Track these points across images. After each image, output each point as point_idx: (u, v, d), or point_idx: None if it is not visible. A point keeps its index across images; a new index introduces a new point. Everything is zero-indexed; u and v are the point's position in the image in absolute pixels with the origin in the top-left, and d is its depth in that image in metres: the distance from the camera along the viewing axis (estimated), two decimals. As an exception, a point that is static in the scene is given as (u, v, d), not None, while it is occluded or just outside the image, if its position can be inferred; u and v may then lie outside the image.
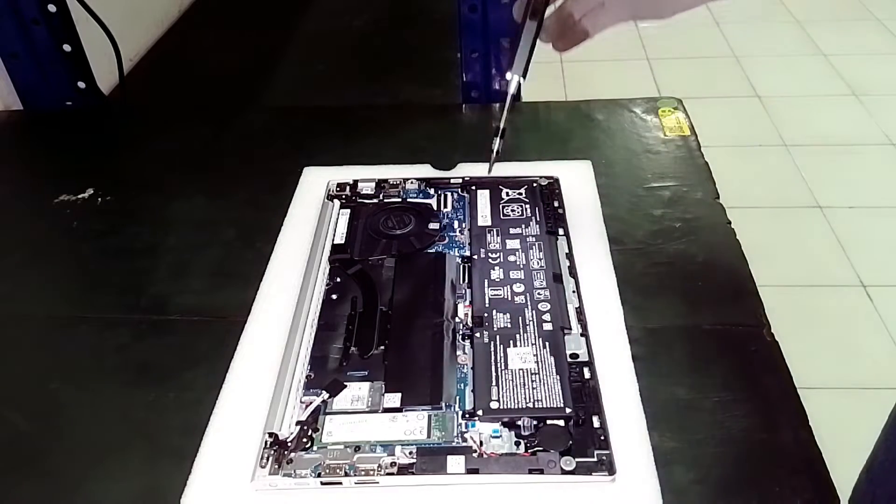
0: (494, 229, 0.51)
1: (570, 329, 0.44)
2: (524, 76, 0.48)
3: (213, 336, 0.47)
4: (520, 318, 0.44)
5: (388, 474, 0.37)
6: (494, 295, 0.46)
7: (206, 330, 0.48)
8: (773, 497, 0.37)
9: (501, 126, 0.51)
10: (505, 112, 0.50)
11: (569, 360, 0.42)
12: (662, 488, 0.36)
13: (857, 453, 0.58)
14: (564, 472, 0.36)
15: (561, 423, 0.38)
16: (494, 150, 0.52)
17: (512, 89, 0.49)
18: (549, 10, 0.48)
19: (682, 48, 2.06)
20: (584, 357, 0.42)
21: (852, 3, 2.27)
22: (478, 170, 0.58)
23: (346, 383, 0.41)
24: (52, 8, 0.68)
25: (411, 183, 0.57)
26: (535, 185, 0.55)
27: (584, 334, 0.43)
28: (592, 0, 0.46)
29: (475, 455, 0.37)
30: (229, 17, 1.03)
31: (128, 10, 0.87)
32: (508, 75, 0.49)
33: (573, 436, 0.38)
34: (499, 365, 0.41)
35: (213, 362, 0.44)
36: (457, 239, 0.51)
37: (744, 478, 0.38)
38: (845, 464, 0.49)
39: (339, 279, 0.49)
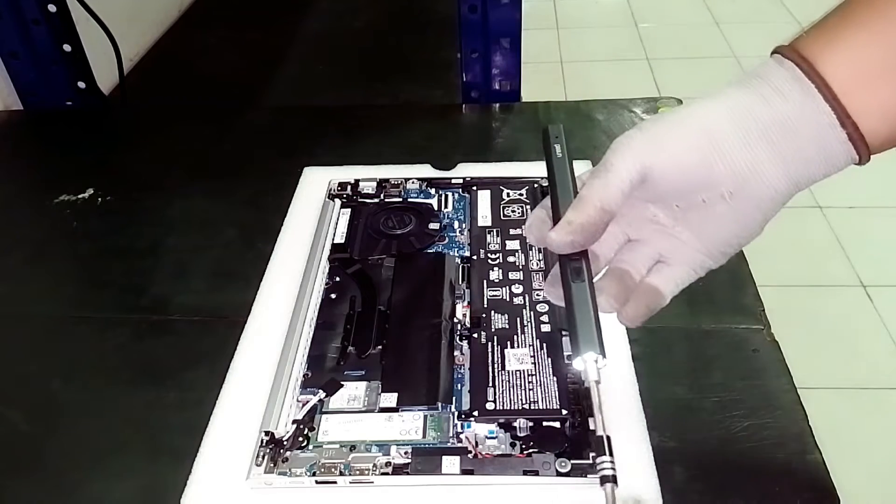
0: (494, 230, 0.51)
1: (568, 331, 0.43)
2: (604, 355, 0.31)
3: (214, 336, 0.47)
4: (518, 319, 0.44)
5: (383, 474, 0.37)
6: (493, 296, 0.46)
7: (206, 330, 0.48)
8: (773, 497, 0.37)
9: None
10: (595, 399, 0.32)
11: (566, 361, 0.41)
12: (662, 488, 0.36)
13: (857, 453, 0.58)
14: (559, 474, 0.36)
15: (557, 424, 0.38)
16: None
17: (593, 377, 0.32)
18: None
19: (682, 48, 2.06)
20: (581, 358, 0.42)
21: (853, 3, 2.27)
22: (478, 170, 0.58)
23: (343, 382, 0.41)
24: (52, 8, 0.69)
25: (412, 183, 0.57)
26: (535, 185, 0.55)
27: (582, 335, 0.43)
28: (645, 254, 0.33)
29: (470, 456, 0.37)
30: (229, 17, 1.03)
31: (128, 10, 0.87)
32: (580, 362, 0.31)
33: (569, 438, 0.38)
34: (496, 366, 0.41)
35: (213, 362, 0.44)
36: (457, 239, 0.51)
37: (744, 478, 0.38)
38: (845, 464, 0.49)
39: (338, 278, 0.49)
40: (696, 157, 0.30)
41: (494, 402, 0.39)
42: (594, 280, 0.32)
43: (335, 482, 0.37)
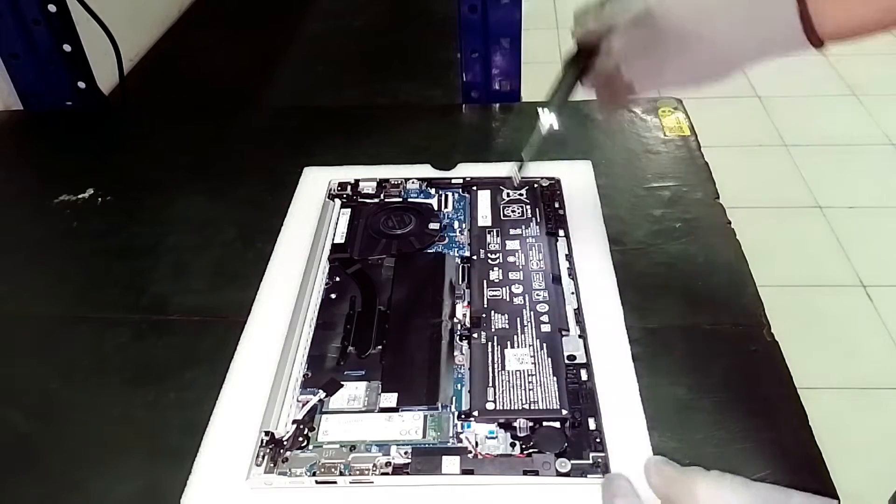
0: (494, 230, 0.51)
1: (568, 331, 0.44)
2: (558, 117, 0.45)
3: (214, 336, 0.47)
4: (518, 319, 0.44)
5: (383, 474, 0.37)
6: (493, 296, 0.46)
7: (206, 330, 0.48)
8: (773, 497, 0.37)
9: (525, 158, 0.50)
10: (530, 147, 0.48)
11: (566, 361, 0.42)
12: (661, 488, 0.36)
13: (856, 453, 0.58)
14: (559, 474, 0.36)
15: (556, 424, 0.38)
16: (515, 180, 0.52)
17: (544, 128, 0.46)
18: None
19: (682, 48, 2.06)
20: (581, 359, 0.42)
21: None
22: (478, 170, 0.58)
23: (343, 382, 0.41)
24: (52, 8, 0.69)
25: (412, 183, 0.57)
26: (535, 185, 0.55)
27: (582, 336, 0.43)
28: (645, 67, 0.42)
29: (470, 456, 0.37)
30: (229, 17, 1.03)
31: (128, 11, 0.87)
32: (542, 113, 0.46)
33: (568, 438, 0.38)
34: (496, 366, 0.41)
35: (213, 362, 0.44)
36: (457, 239, 0.52)
37: (744, 478, 0.38)
38: (845, 464, 0.49)
39: (338, 278, 0.49)
40: (689, 8, 0.39)
41: (494, 402, 0.39)
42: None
43: (335, 482, 0.37)
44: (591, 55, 0.44)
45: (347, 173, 0.58)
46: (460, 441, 0.38)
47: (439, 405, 0.40)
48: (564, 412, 0.39)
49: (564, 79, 0.46)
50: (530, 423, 0.38)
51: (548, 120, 0.46)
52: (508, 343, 0.43)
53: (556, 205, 0.54)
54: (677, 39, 0.39)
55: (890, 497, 0.53)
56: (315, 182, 0.58)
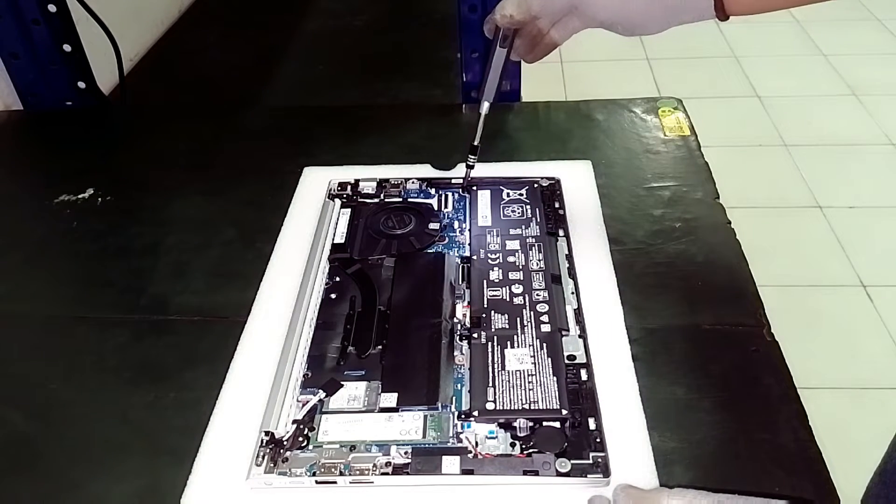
0: (494, 230, 0.51)
1: (568, 331, 0.44)
2: (490, 100, 0.52)
3: (214, 336, 0.47)
4: (518, 319, 0.44)
5: (383, 474, 0.37)
6: (493, 296, 0.46)
7: (206, 330, 0.48)
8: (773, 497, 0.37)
9: (477, 143, 0.53)
10: (479, 133, 0.53)
11: (566, 361, 0.42)
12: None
13: (857, 453, 0.58)
14: (559, 474, 0.36)
15: (557, 424, 0.38)
16: (470, 166, 0.55)
17: (484, 112, 0.52)
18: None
19: (682, 48, 2.05)
20: (581, 359, 0.42)
21: (852, 2, 2.27)
22: (478, 170, 0.58)
23: (343, 382, 0.41)
24: (52, 8, 0.69)
25: (412, 183, 0.57)
26: (535, 185, 0.55)
27: (582, 336, 0.43)
28: (559, 11, 0.48)
29: (470, 456, 0.37)
30: (229, 17, 1.03)
31: (128, 10, 0.87)
32: (483, 104, 0.52)
33: (569, 438, 0.38)
34: (496, 366, 0.41)
35: (213, 362, 0.44)
36: (457, 239, 0.52)
37: (744, 478, 0.38)
38: (845, 464, 0.49)
39: (338, 278, 0.49)
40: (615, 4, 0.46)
41: (494, 402, 0.39)
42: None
43: (335, 482, 0.37)
44: (514, 36, 0.50)
45: (347, 173, 0.58)
46: (460, 441, 0.38)
47: (439, 405, 0.40)
48: (564, 412, 0.39)
49: (496, 66, 0.51)
50: (530, 423, 0.38)
51: (486, 106, 0.52)
52: (508, 343, 0.43)
53: (556, 205, 0.54)
54: (603, 23, 0.47)
55: (861, 498, 0.53)
56: (315, 182, 0.58)
